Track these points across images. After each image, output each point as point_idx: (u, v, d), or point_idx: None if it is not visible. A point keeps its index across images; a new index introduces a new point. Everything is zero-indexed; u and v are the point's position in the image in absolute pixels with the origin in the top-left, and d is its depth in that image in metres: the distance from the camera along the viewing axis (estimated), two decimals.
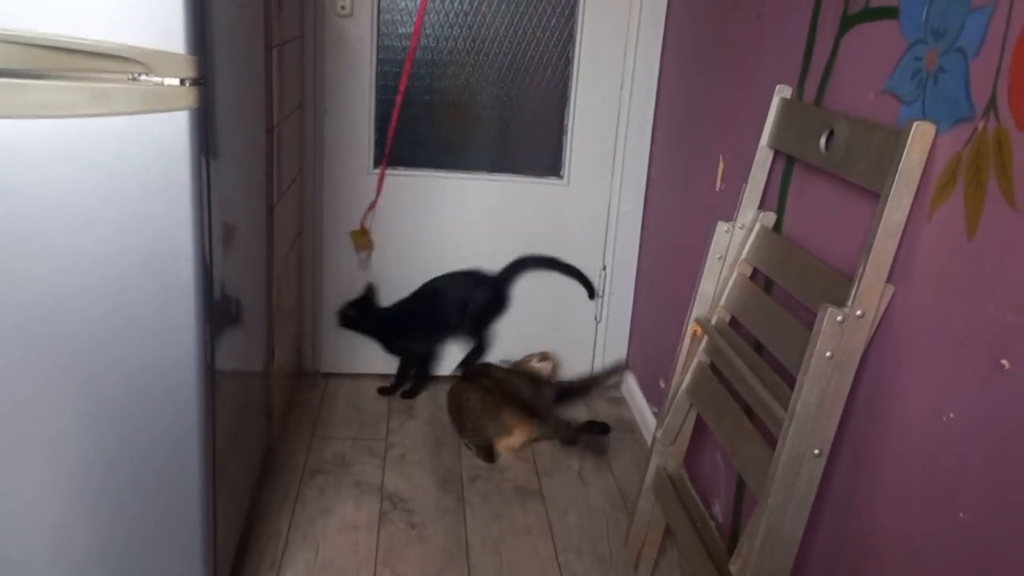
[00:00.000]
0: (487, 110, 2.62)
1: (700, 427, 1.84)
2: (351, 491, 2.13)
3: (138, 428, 1.43)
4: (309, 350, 2.75)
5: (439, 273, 2.69)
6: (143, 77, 1.27)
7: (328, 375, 2.76)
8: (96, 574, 1.48)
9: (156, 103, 1.28)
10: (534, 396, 2.45)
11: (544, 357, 2.69)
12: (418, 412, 2.58)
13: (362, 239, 2.65)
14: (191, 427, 1.44)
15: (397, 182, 2.62)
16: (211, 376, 1.46)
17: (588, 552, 1.96)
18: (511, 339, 2.78)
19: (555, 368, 2.72)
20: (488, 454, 2.34)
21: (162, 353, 1.40)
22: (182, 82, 1.28)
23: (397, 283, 2.69)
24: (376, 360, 2.75)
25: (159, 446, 1.44)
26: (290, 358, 2.51)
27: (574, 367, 2.83)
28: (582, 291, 2.76)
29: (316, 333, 2.73)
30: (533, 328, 2.78)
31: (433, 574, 1.85)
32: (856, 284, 1.25)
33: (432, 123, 2.61)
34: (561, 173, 2.67)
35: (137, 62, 1.26)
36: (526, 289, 2.73)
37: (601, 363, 2.84)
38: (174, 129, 1.30)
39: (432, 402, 2.65)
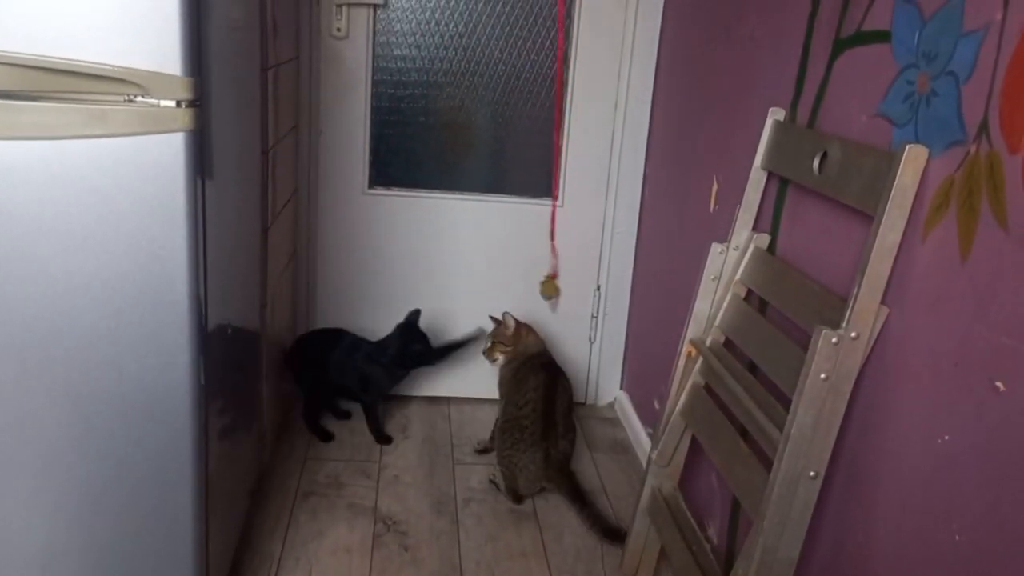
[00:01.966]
0: (482, 131, 2.63)
1: (695, 449, 1.84)
2: (344, 513, 2.12)
3: (130, 451, 1.42)
4: None
5: (432, 293, 2.69)
6: (139, 99, 1.27)
7: None
8: None
9: (152, 125, 1.28)
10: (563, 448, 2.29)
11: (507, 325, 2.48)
12: (412, 433, 2.57)
13: (551, 287, 2.69)
14: (184, 449, 1.44)
15: (391, 203, 2.63)
16: (204, 398, 1.45)
17: (583, 575, 1.95)
18: None
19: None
20: (515, 496, 2.23)
21: (155, 375, 1.39)
22: (178, 104, 1.28)
23: (389, 304, 2.68)
24: None
25: (151, 469, 1.43)
26: (283, 380, 2.49)
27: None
28: (577, 311, 2.76)
29: None
30: None
31: None
32: (851, 305, 1.25)
33: (427, 144, 2.62)
34: (556, 194, 2.67)
35: (133, 84, 1.26)
36: (520, 310, 2.73)
37: (596, 384, 2.84)
38: (170, 150, 1.30)
39: (425, 423, 2.64)
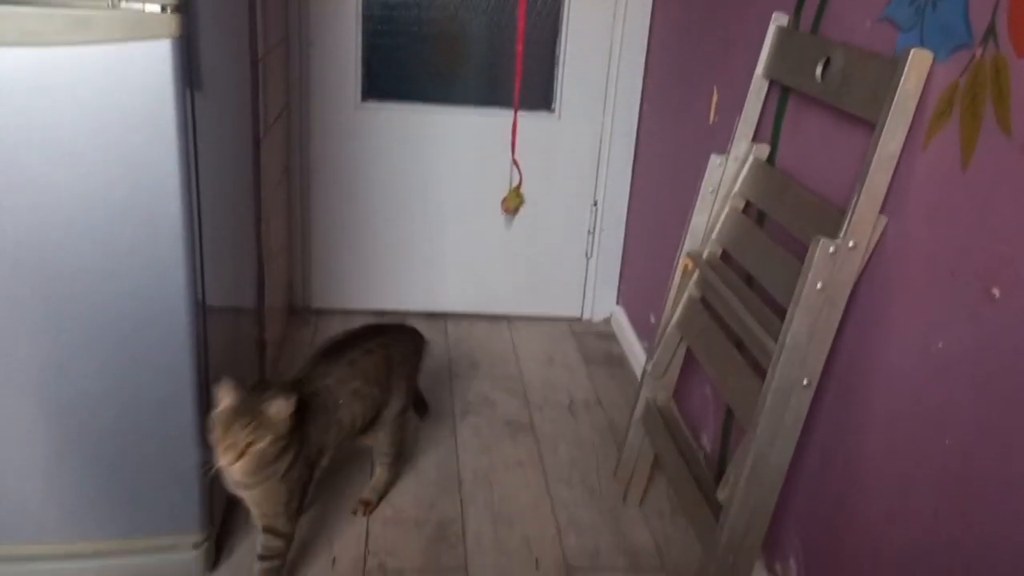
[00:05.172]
0: (476, 42, 2.57)
1: (689, 362, 1.85)
2: None
3: (130, 364, 1.43)
4: (300, 287, 2.74)
5: (426, 207, 2.67)
6: (123, 4, 1.23)
7: (320, 311, 2.76)
8: (89, 511, 1.50)
9: (137, 31, 1.25)
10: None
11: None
12: None
13: (515, 199, 2.64)
14: (184, 364, 1.44)
15: (384, 116, 2.58)
16: (202, 312, 1.45)
17: (578, 483, 1.99)
18: (502, 280, 2.78)
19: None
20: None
21: (151, 289, 1.39)
22: (163, 8, 1.24)
23: (384, 217, 2.67)
24: (367, 295, 2.76)
25: (151, 381, 1.44)
26: (281, 295, 2.50)
27: (565, 304, 2.84)
28: (573, 227, 2.75)
29: (306, 269, 2.72)
30: (522, 267, 2.78)
31: (427, 506, 1.87)
32: (849, 215, 1.24)
33: (420, 55, 2.56)
34: (552, 106, 2.63)
35: None
36: (515, 228, 2.72)
37: (592, 299, 2.84)
38: (157, 58, 1.27)
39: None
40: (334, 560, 1.69)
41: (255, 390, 1.39)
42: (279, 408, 1.37)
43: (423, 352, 1.91)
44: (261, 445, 1.35)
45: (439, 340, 2.66)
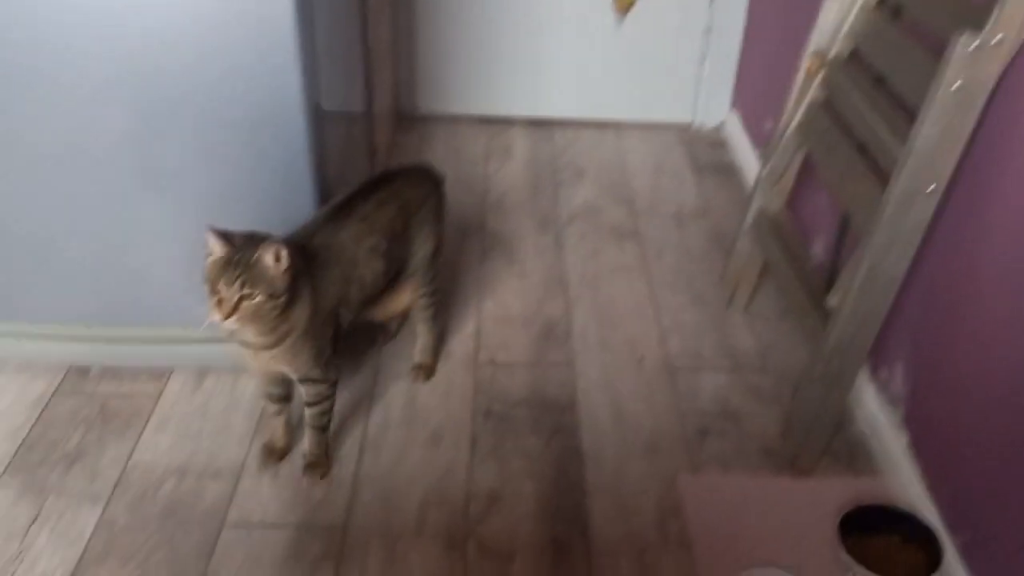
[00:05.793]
0: None
1: (804, 170, 1.79)
2: (452, 231, 2.21)
3: (251, 167, 1.48)
4: (406, 92, 2.74)
5: (536, 8, 2.57)
6: None
7: (425, 118, 2.77)
8: None
9: None
10: None
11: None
12: (516, 153, 2.59)
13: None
14: (302, 168, 1.49)
15: None
16: (318, 115, 1.48)
17: (683, 289, 2.01)
18: (611, 85, 2.70)
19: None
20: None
21: (267, 92, 1.42)
22: None
23: (490, 22, 2.59)
24: (472, 101, 2.74)
25: (273, 184, 1.50)
26: (388, 100, 2.51)
27: (676, 110, 2.75)
28: (686, 26, 2.61)
29: (412, 75, 2.71)
30: (633, 71, 2.68)
31: (534, 307, 1.94)
32: (998, 6, 1.13)
33: None
34: None
35: None
36: (625, 29, 2.60)
37: (705, 105, 2.73)
38: None
39: (528, 145, 2.65)
40: (448, 354, 1.79)
41: (247, 242, 1.24)
42: (269, 260, 1.22)
43: (442, 191, 1.67)
44: (256, 301, 1.21)
45: (544, 147, 2.64)
